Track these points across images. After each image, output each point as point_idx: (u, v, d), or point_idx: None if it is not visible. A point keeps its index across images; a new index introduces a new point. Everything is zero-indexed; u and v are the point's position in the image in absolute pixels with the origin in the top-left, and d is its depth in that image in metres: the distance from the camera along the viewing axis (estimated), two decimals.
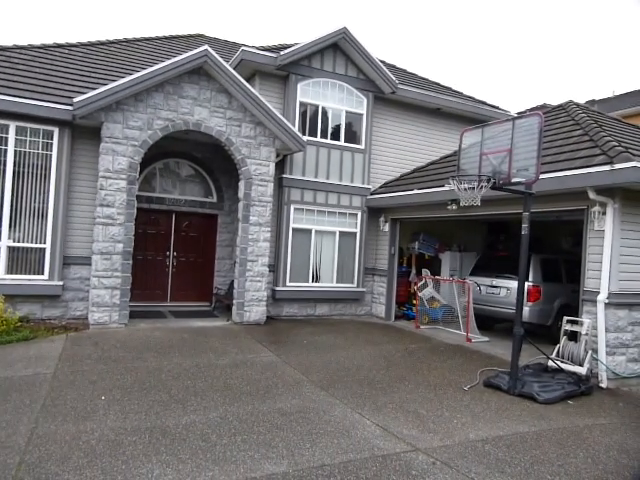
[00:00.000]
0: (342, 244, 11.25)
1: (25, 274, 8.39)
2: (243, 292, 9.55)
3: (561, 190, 6.93)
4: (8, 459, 3.59)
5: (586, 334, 6.64)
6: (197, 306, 10.82)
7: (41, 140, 8.49)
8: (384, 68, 11.37)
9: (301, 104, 10.83)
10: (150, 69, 8.63)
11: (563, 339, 6.92)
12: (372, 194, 11.41)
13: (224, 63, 9.12)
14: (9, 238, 8.29)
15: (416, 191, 9.88)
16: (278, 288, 10.50)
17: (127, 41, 12.30)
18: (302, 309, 10.90)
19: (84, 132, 8.79)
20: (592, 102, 20.81)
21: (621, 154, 6.36)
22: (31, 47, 10.15)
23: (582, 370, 6.40)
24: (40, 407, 4.68)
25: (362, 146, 11.49)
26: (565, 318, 7.09)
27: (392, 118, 12.07)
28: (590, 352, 6.57)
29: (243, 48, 10.16)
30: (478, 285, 10.10)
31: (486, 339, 9.37)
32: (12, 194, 8.31)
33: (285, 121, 9.69)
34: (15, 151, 8.31)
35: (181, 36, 13.98)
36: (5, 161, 8.25)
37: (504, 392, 5.98)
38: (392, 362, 7.31)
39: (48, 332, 7.78)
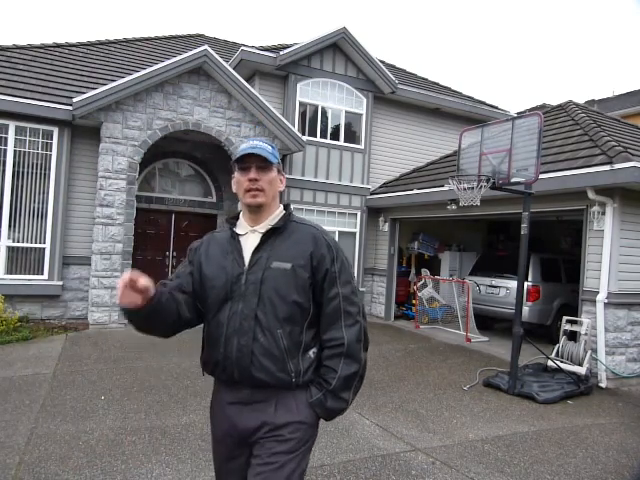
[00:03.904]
0: (342, 244, 11.16)
1: (25, 274, 8.39)
2: None
3: (560, 190, 6.93)
4: (8, 459, 3.59)
5: (585, 334, 6.64)
6: None
7: (41, 140, 8.50)
8: (384, 68, 11.37)
9: (301, 104, 10.83)
10: (150, 69, 8.64)
11: (562, 339, 6.92)
12: (372, 194, 11.41)
13: (224, 63, 9.13)
14: (9, 238, 8.29)
15: (416, 191, 9.88)
16: None
17: (127, 41, 12.30)
18: None
19: (84, 132, 8.79)
20: (592, 102, 20.81)
21: (620, 154, 6.37)
22: (31, 47, 10.15)
23: (581, 370, 6.40)
24: (40, 407, 4.68)
25: (362, 146, 11.49)
26: (564, 318, 7.09)
27: (392, 118, 12.07)
28: (589, 352, 6.57)
29: (243, 48, 10.16)
30: (477, 285, 10.10)
31: (486, 339, 9.37)
32: (12, 194, 8.31)
33: (285, 121, 9.69)
34: (15, 151, 8.31)
35: (181, 36, 13.97)
36: (5, 161, 8.24)
37: (503, 392, 5.98)
38: (391, 362, 7.31)
39: (48, 332, 7.78)
